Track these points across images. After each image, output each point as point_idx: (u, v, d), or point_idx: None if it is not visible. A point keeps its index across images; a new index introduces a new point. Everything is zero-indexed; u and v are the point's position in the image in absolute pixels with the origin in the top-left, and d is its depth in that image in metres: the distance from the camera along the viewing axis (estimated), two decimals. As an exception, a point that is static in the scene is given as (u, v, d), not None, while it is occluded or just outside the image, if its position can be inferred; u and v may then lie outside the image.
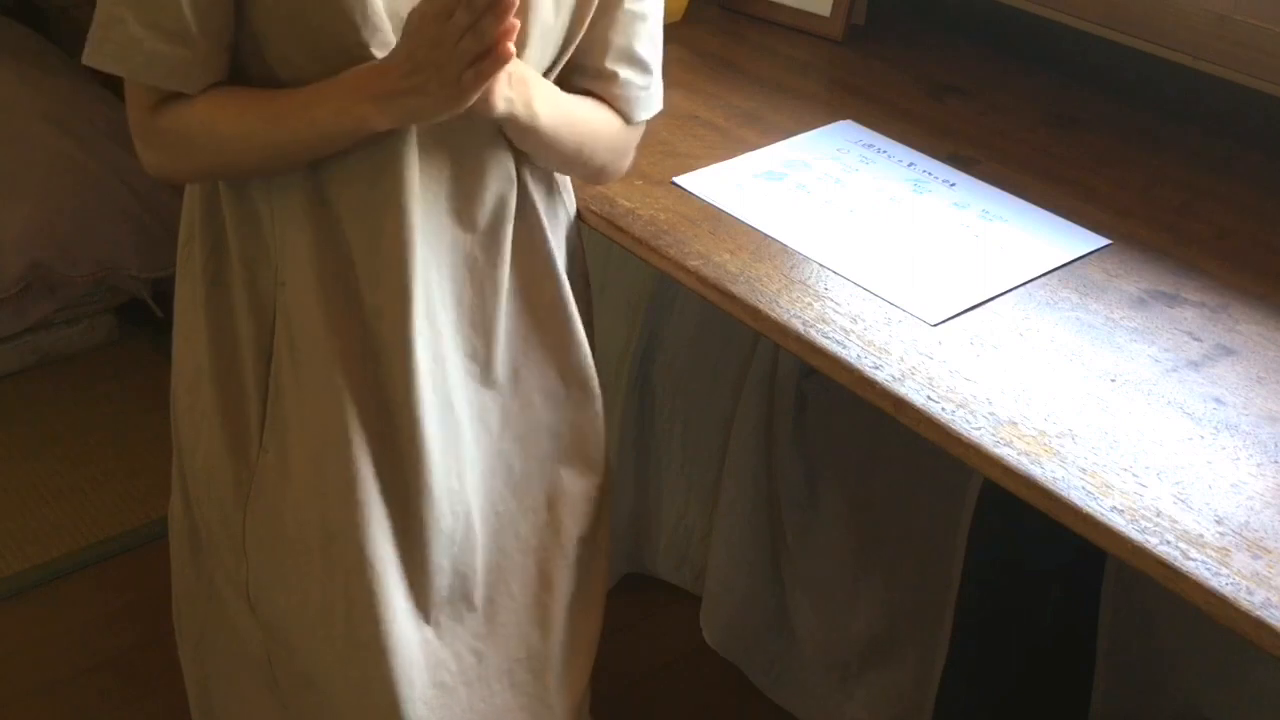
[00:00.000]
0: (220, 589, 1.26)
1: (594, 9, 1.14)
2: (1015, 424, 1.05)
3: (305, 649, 1.21)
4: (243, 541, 1.21)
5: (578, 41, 1.15)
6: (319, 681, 1.22)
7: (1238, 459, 1.03)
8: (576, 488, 1.31)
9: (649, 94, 1.23)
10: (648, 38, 1.20)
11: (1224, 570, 0.92)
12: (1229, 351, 1.17)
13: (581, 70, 1.19)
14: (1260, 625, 0.88)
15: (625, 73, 1.19)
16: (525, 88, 1.09)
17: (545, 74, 1.15)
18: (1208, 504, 0.98)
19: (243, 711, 1.32)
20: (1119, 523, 0.96)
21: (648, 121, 1.25)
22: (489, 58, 1.01)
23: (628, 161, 1.26)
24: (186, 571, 1.31)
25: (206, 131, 1.08)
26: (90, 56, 1.06)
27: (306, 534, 1.18)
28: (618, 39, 1.18)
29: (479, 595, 1.25)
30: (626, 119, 1.22)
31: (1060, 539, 1.06)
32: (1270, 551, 0.94)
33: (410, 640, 1.20)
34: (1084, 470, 1.00)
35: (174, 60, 1.05)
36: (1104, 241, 1.33)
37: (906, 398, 1.08)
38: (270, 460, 1.18)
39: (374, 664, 1.18)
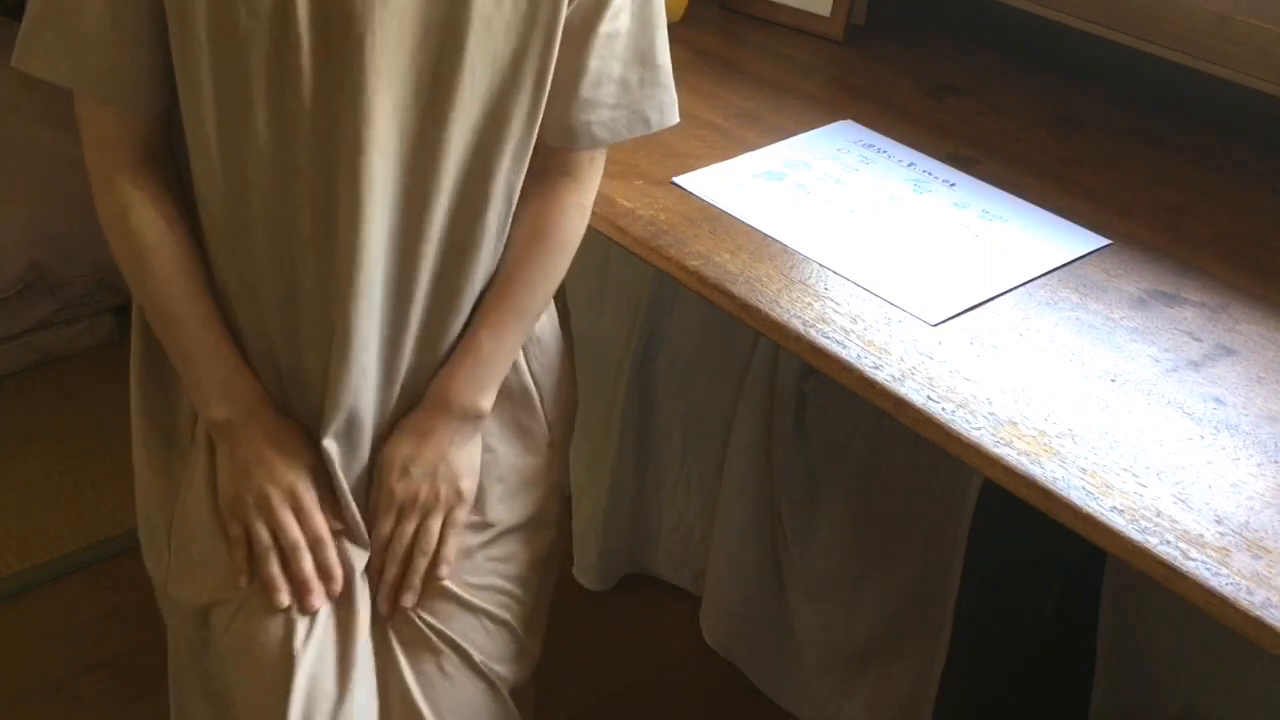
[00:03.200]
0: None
1: (559, 34, 1.08)
2: (1015, 424, 1.05)
3: (220, 648, 1.19)
4: (168, 537, 1.20)
5: (551, 69, 1.09)
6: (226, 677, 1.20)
7: (1238, 459, 1.03)
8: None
9: (625, 114, 1.16)
10: (632, 55, 1.15)
11: (1224, 570, 0.92)
12: (1229, 351, 1.17)
13: (554, 99, 1.12)
14: (1260, 625, 0.88)
15: (598, 95, 1.14)
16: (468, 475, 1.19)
17: (507, 98, 1.08)
18: (1208, 504, 0.98)
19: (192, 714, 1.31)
20: (1119, 523, 0.96)
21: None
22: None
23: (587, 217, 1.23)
24: None
25: (133, 263, 1.13)
26: (19, 60, 1.05)
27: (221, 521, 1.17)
28: (593, 63, 1.12)
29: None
30: (595, 145, 1.17)
31: (1060, 539, 1.06)
32: (1270, 551, 0.94)
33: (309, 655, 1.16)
34: (1084, 470, 1.00)
35: (101, 69, 1.04)
36: (1104, 241, 1.33)
37: (906, 398, 1.08)
38: (201, 456, 1.18)
39: (277, 675, 1.14)
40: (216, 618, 1.17)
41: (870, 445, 1.68)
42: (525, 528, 1.26)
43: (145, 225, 1.10)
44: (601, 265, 1.91)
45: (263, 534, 1.13)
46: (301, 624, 1.13)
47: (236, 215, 1.09)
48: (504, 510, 1.24)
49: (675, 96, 1.20)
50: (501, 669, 1.23)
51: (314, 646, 1.13)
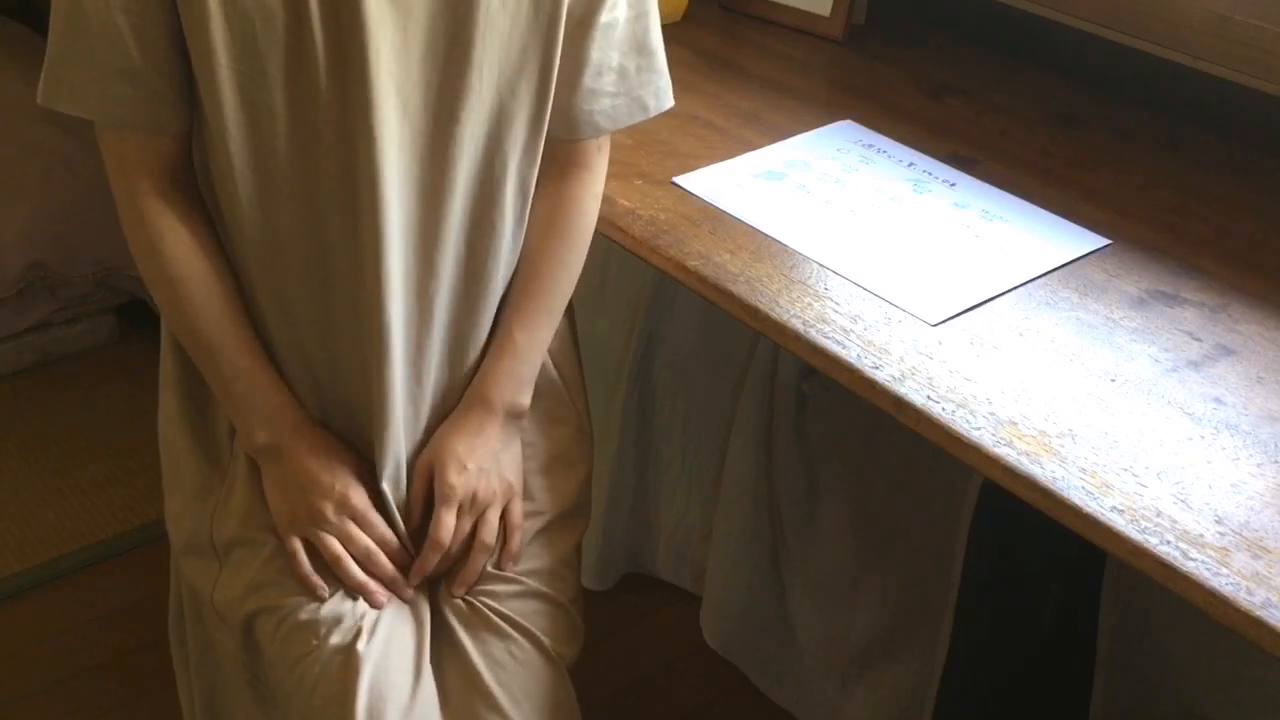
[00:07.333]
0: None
1: (563, 26, 1.09)
2: (1015, 424, 1.05)
3: (273, 655, 1.19)
4: (213, 547, 1.20)
5: (557, 61, 1.11)
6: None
7: (1238, 459, 1.03)
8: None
9: (625, 101, 1.19)
10: (629, 44, 1.17)
11: (1224, 570, 0.92)
12: (1229, 351, 1.17)
13: (557, 90, 1.14)
14: (1260, 625, 0.88)
15: (599, 85, 1.16)
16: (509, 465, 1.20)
17: (514, 92, 1.10)
18: (1208, 504, 0.98)
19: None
20: (1119, 523, 0.96)
21: (650, 120, 1.23)
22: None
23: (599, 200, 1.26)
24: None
25: (166, 290, 1.11)
26: (46, 98, 1.06)
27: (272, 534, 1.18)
28: (594, 54, 1.14)
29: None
30: (598, 133, 1.20)
31: (1060, 539, 1.06)
32: (1270, 551, 0.94)
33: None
34: (1084, 470, 1.00)
35: (127, 99, 1.04)
36: (1104, 241, 1.33)
37: (906, 398, 1.08)
38: (241, 468, 1.19)
39: (339, 681, 1.14)
40: (261, 626, 1.17)
41: (870, 445, 1.68)
42: (570, 512, 1.30)
43: (177, 253, 1.10)
44: (601, 265, 1.91)
45: (331, 544, 1.15)
46: (360, 623, 1.14)
47: (267, 230, 1.09)
48: (551, 498, 1.27)
49: (669, 81, 1.22)
50: (563, 649, 1.26)
51: (377, 646, 1.14)
